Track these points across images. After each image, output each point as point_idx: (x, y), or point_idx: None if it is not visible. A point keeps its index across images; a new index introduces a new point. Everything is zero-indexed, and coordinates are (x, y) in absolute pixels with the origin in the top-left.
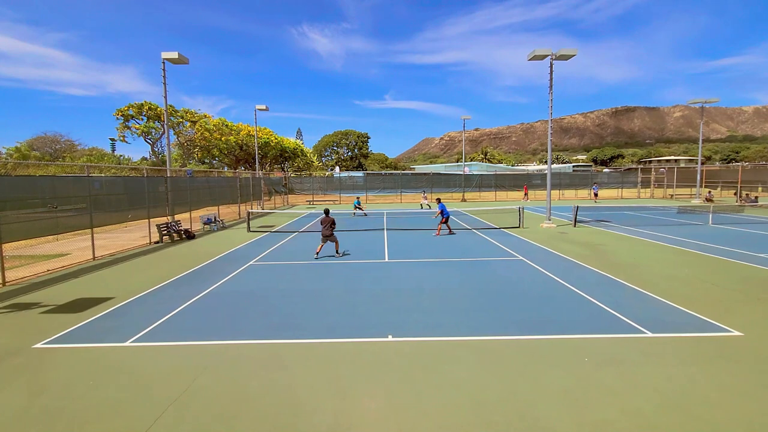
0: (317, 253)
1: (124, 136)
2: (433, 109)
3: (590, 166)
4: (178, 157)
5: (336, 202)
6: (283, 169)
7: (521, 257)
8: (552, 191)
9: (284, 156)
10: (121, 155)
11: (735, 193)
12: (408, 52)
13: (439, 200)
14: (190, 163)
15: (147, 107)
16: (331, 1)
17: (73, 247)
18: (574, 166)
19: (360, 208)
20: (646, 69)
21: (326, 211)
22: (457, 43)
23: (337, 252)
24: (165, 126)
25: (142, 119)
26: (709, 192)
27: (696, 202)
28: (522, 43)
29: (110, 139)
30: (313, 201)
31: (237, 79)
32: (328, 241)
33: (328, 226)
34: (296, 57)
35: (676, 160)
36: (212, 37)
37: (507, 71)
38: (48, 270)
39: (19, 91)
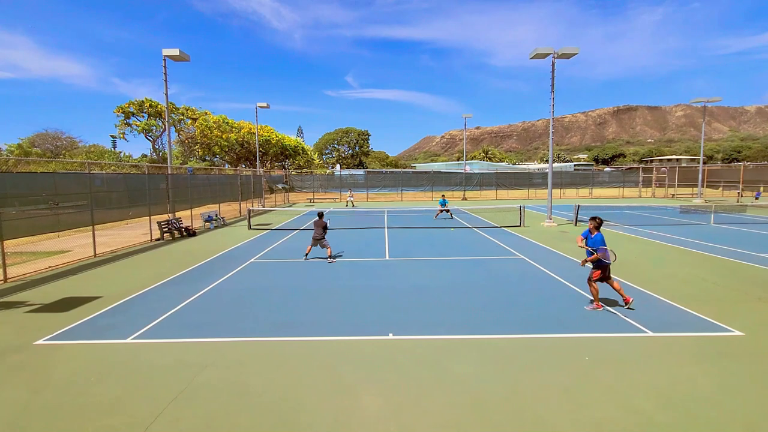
0: (306, 255)
1: (123, 134)
2: (435, 106)
3: (591, 165)
4: (179, 155)
5: (336, 200)
6: (283, 167)
7: (522, 256)
8: (553, 190)
9: (285, 154)
10: (120, 151)
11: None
12: (404, 33)
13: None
14: (191, 161)
15: (148, 104)
16: None
17: (75, 244)
18: (575, 165)
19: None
20: (648, 67)
21: (320, 214)
22: (460, 22)
23: (329, 256)
24: (167, 123)
25: (143, 116)
26: (740, 192)
27: (697, 201)
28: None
29: (111, 136)
30: (314, 199)
31: (234, 76)
32: (319, 246)
33: (320, 229)
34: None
35: (677, 160)
36: (209, 31)
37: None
38: (49, 267)
39: (19, 85)
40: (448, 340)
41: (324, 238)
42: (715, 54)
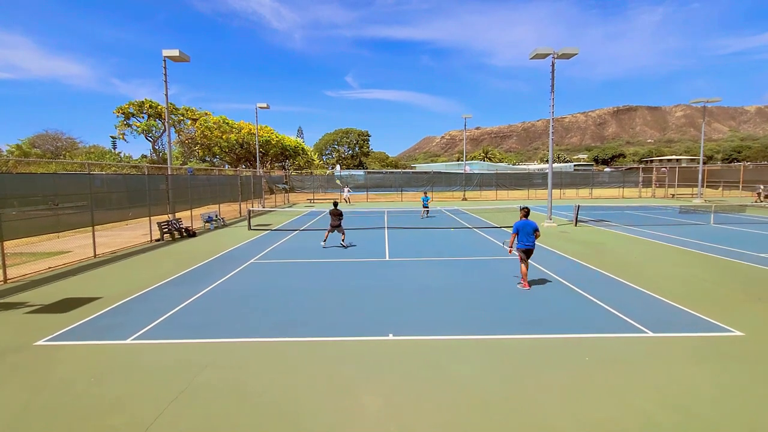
0: (324, 241)
1: (123, 134)
2: (434, 107)
3: (591, 165)
4: (179, 155)
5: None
6: (284, 168)
7: None
8: (553, 190)
9: (285, 154)
10: (120, 152)
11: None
12: (405, 34)
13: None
14: (191, 161)
15: (148, 105)
16: None
17: (75, 245)
18: (575, 165)
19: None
20: (648, 67)
21: (335, 204)
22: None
23: (342, 242)
24: (166, 124)
25: (143, 117)
26: (759, 192)
27: (697, 201)
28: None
29: (111, 137)
30: (314, 199)
31: (234, 76)
32: (336, 231)
33: (336, 218)
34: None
35: (677, 160)
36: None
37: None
38: (49, 267)
39: (19, 85)
40: (448, 340)
41: (340, 225)
42: (715, 54)
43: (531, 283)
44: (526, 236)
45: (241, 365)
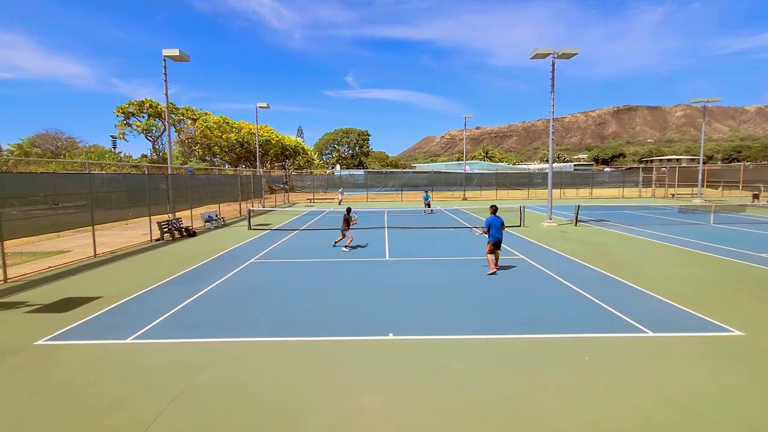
0: (335, 243)
1: (123, 134)
2: (434, 106)
3: (591, 165)
4: (179, 155)
5: (337, 200)
6: (284, 167)
7: (522, 256)
8: (553, 190)
9: (285, 154)
10: (120, 152)
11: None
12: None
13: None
14: (191, 161)
15: (148, 104)
16: None
17: (75, 244)
18: (575, 165)
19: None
20: (648, 67)
21: (348, 210)
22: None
23: (344, 246)
24: (167, 123)
25: (143, 117)
26: (756, 193)
27: (697, 201)
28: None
29: (111, 136)
30: (314, 199)
31: (234, 76)
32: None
33: (343, 222)
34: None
35: (677, 160)
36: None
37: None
38: (49, 267)
39: (19, 85)
40: (448, 340)
41: (348, 229)
42: (715, 54)
43: (530, 282)
44: (496, 230)
45: (241, 365)
